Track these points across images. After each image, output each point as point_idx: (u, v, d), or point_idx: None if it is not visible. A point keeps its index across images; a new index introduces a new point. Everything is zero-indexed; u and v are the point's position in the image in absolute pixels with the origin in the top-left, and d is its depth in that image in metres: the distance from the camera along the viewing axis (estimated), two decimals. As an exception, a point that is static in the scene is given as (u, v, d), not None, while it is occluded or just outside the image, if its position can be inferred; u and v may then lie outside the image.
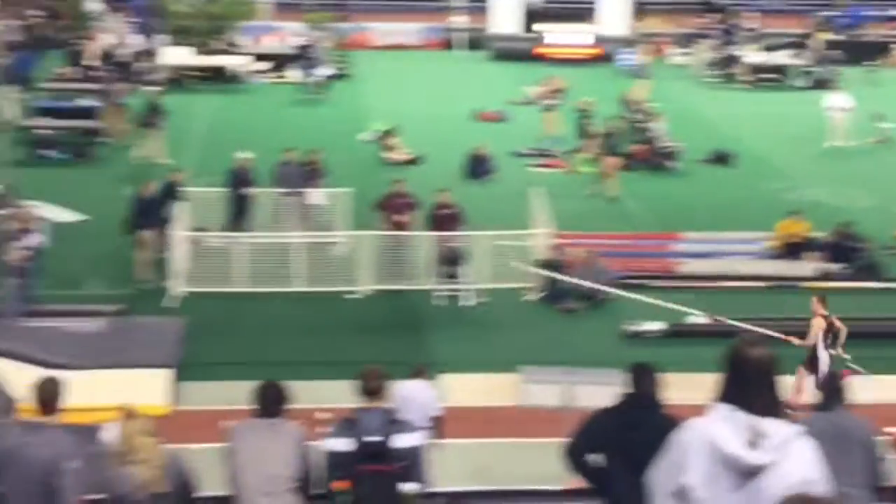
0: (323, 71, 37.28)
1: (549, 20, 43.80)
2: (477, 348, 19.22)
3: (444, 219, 21.91)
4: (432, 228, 21.85)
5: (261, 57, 39.71)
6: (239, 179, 23.10)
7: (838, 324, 17.13)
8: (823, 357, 17.00)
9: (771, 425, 5.35)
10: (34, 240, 19.72)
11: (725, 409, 5.45)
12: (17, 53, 34.79)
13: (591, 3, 44.47)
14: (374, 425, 8.02)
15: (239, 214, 22.97)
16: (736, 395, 5.45)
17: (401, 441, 8.05)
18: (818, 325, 17.03)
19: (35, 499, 7.78)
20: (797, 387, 16.80)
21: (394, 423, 8.11)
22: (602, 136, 29.20)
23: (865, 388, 14.20)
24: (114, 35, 40.10)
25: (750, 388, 5.43)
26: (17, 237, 19.16)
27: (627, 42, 42.40)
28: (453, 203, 22.23)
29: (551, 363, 17.96)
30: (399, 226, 22.01)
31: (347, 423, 8.07)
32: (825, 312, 17.14)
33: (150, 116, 28.92)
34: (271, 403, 8.21)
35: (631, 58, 40.77)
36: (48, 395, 8.05)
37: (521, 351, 18.81)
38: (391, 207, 22.27)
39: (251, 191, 23.17)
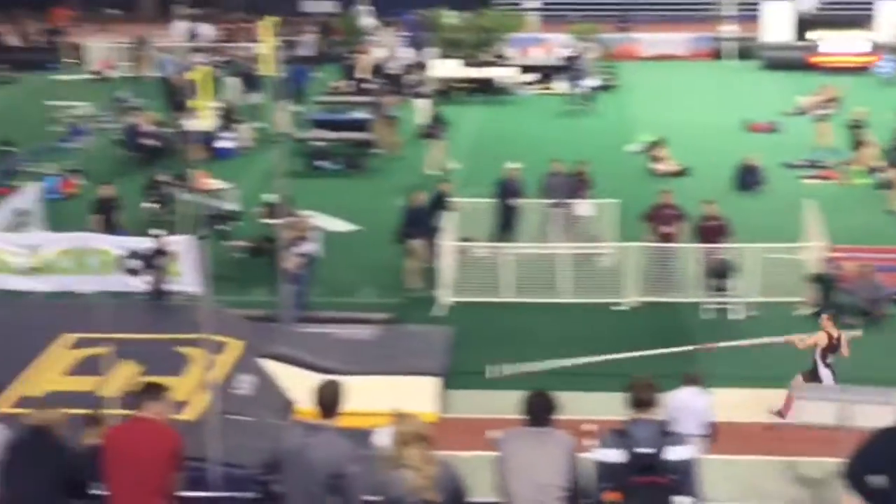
0: (589, 82, 37.21)
1: (823, 27, 42.55)
2: (746, 362, 18.74)
3: (711, 230, 21.52)
4: (699, 240, 21.48)
5: (528, 68, 39.97)
6: (507, 190, 23.28)
7: (843, 341, 16.71)
8: (825, 374, 16.68)
9: None
10: (309, 248, 20.37)
11: None
12: (292, 67, 36.02)
13: (869, 8, 43.01)
14: (645, 437, 7.91)
15: (506, 225, 23.14)
16: None
17: (673, 454, 7.90)
18: (819, 338, 16.69)
19: (316, 499, 7.98)
20: (787, 398, 16.66)
21: (666, 435, 7.98)
22: (878, 147, 28.19)
23: None
24: (385, 49, 41.15)
25: None
26: (292, 245, 19.79)
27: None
28: (720, 215, 21.80)
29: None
30: (666, 237, 21.73)
31: (619, 434, 7.98)
32: (832, 331, 16.65)
33: (432, 127, 29.52)
34: (540, 413, 8.18)
35: (889, 65, 39.20)
36: (329, 399, 8.23)
37: (793, 367, 18.24)
38: (658, 219, 22.02)
39: (519, 201, 23.30)
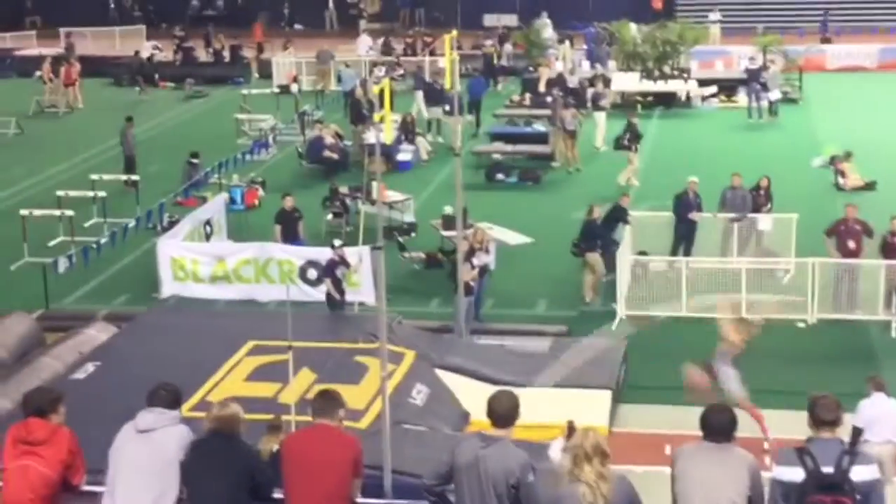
0: (773, 95, 36.53)
1: None
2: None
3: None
4: (886, 257, 20.83)
5: (710, 81, 39.43)
6: (685, 204, 22.93)
7: None
8: (730, 373, 15.78)
9: None
10: (485, 260, 20.45)
11: None
12: (471, 79, 36.32)
13: None
14: (828, 455, 7.66)
15: (684, 239, 22.82)
16: None
17: (858, 474, 7.64)
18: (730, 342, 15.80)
19: (491, 510, 7.97)
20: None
21: (850, 455, 7.72)
22: None
23: None
24: (566, 62, 41.12)
25: None
26: (469, 257, 19.89)
27: None
28: None
29: None
30: (851, 253, 21.13)
31: (799, 452, 7.76)
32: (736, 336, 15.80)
33: (628, 139, 29.19)
34: (721, 428, 7.99)
35: None
36: (505, 410, 8.22)
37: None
38: (843, 233, 21.43)
39: (697, 215, 22.91)
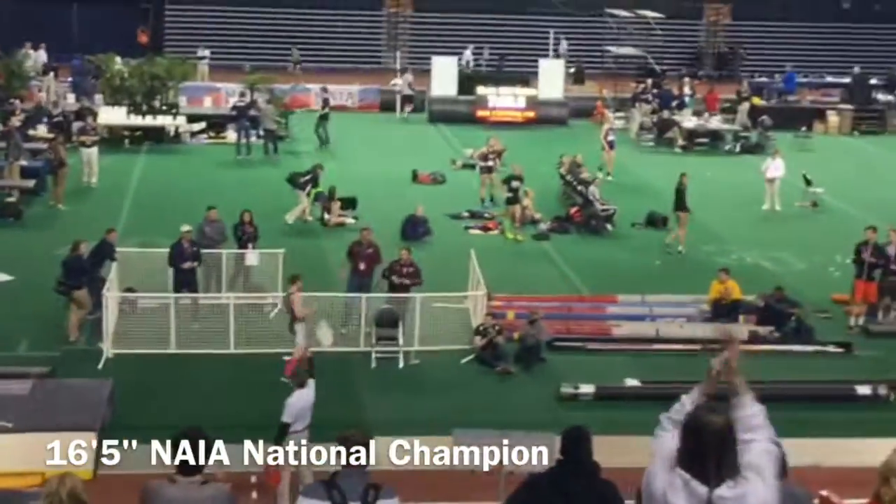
0: (260, 131, 37.12)
1: (489, 83, 44.11)
2: (412, 410, 18.99)
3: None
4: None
5: (199, 117, 39.51)
6: (180, 253, 22.19)
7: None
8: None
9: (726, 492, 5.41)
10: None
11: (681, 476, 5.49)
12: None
13: (533, 68, 45.00)
14: (354, 489, 7.62)
15: (186, 286, 22.11)
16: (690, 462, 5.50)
17: None
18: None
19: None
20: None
21: (374, 488, 7.72)
22: (532, 201, 29.55)
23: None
24: (49, 94, 39.96)
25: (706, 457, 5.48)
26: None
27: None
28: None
29: (486, 425, 17.75)
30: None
31: (326, 486, 7.65)
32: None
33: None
34: None
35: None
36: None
37: (457, 413, 18.61)
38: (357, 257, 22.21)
39: (190, 264, 22.42)
